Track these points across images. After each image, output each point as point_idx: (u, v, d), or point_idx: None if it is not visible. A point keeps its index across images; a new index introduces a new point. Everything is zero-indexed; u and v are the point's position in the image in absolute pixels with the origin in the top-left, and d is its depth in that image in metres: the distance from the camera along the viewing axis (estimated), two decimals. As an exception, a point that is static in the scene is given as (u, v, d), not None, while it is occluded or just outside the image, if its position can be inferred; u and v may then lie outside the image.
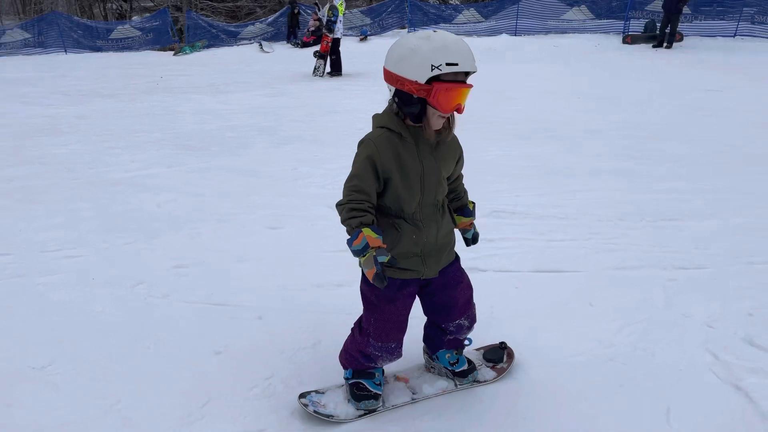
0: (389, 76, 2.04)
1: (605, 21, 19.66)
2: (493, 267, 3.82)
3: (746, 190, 5.34)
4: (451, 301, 2.45)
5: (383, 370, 2.57)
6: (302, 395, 2.53)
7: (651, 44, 17.34)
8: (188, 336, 2.99)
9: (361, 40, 19.96)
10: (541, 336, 3.05)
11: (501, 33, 19.78)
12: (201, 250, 4.00)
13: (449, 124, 2.13)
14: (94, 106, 10.06)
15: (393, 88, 2.05)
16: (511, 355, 2.83)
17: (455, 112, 2.05)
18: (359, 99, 10.52)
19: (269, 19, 21.69)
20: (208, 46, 20.09)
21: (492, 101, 10.41)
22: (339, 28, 14.09)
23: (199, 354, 2.85)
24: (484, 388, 2.68)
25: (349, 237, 2.06)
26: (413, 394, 2.61)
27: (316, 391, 2.58)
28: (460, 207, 2.50)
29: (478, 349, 2.89)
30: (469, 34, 20.20)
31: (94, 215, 4.64)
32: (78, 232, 4.27)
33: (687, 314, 3.27)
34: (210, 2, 34.06)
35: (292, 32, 20.36)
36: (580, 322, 3.19)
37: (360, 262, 2.06)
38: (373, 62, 14.69)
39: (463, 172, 2.49)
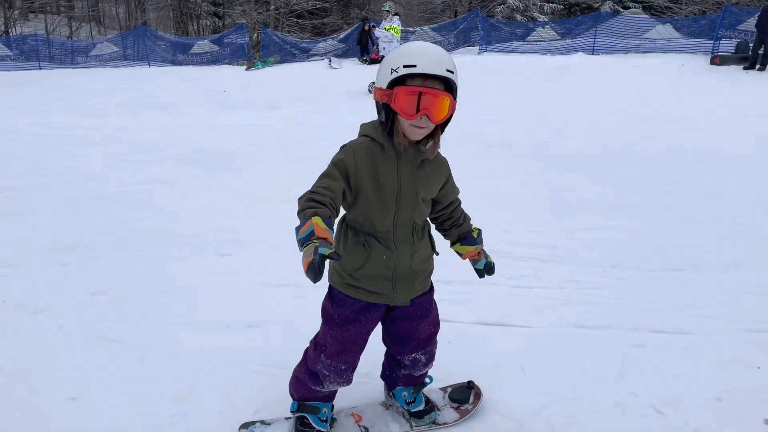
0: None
1: (693, 40, 18.30)
2: (433, 315, 3.36)
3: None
4: (411, 333, 2.29)
5: (332, 406, 2.40)
6: (245, 425, 2.39)
7: (742, 66, 15.95)
8: (54, 376, 2.75)
9: (431, 57, 19.59)
10: (444, 407, 2.58)
11: (577, 51, 18.84)
12: (131, 277, 3.80)
13: (433, 139, 2.02)
14: (142, 118, 10.30)
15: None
16: (478, 396, 2.57)
17: (435, 125, 1.94)
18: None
19: (341, 36, 21.79)
20: (281, 62, 20.40)
21: (538, 124, 9.83)
22: (396, 47, 13.90)
23: (53, 398, 2.60)
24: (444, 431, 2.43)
25: (297, 225, 1.83)
26: None
27: (262, 422, 2.42)
28: (462, 235, 2.33)
29: (443, 388, 2.64)
30: (542, 52, 19.43)
31: (55, 231, 4.57)
32: (25, 249, 4.18)
33: (636, 393, 2.70)
34: (297, 20, 34.97)
35: (364, 49, 20.31)
36: (501, 393, 2.70)
37: (302, 250, 1.78)
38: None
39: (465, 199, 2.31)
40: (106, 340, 3.06)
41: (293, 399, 2.34)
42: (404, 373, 2.39)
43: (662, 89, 13.59)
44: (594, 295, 3.65)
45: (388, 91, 1.89)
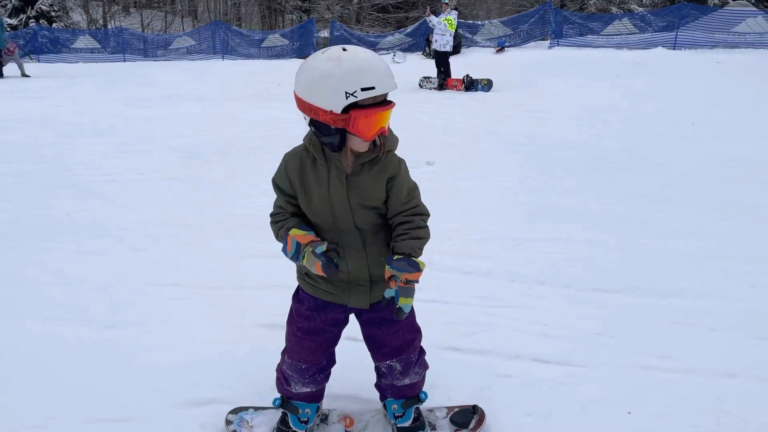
0: (302, 105, 1.80)
1: (789, 35, 16.66)
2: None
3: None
4: (382, 339, 2.21)
5: (317, 407, 2.36)
6: (235, 410, 2.43)
7: (842, 63, 14.32)
8: None
9: (498, 51, 18.99)
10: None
11: (657, 46, 17.60)
12: (31, 267, 3.80)
13: (379, 143, 1.92)
14: (175, 110, 10.48)
15: (308, 118, 1.82)
16: (480, 422, 2.37)
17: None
18: (438, 114, 9.78)
19: (408, 30, 21.57)
20: (347, 56, 20.45)
21: (570, 123, 9.23)
22: (448, 41, 13.57)
23: None
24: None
25: (282, 247, 1.99)
26: None
27: (256, 408, 2.45)
28: (393, 251, 2.02)
29: (449, 407, 2.48)
30: (619, 46, 18.32)
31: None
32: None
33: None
34: (379, 15, 35.03)
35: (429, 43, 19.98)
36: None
37: (303, 264, 1.95)
38: (500, 74, 13.87)
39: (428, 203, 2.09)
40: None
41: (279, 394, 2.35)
42: (385, 382, 2.29)
43: (737, 88, 12.42)
44: (495, 314, 3.27)
45: (344, 115, 1.73)
